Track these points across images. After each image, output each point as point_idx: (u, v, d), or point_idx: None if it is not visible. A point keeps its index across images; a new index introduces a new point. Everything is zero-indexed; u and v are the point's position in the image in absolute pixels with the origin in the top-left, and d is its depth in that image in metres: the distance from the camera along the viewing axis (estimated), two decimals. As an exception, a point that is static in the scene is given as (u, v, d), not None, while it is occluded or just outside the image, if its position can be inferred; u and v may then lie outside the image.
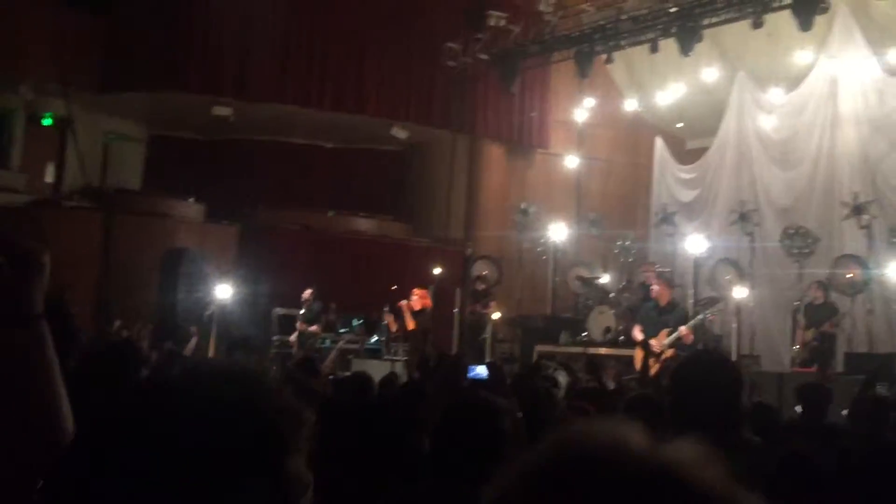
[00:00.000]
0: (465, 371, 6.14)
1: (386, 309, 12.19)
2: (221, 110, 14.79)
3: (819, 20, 11.48)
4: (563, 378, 7.05)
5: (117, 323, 11.67)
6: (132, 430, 0.95)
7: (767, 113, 14.00)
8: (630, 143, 16.27)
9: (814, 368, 10.21)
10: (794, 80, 13.64)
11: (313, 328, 12.76)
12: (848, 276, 11.38)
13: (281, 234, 15.21)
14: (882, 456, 4.28)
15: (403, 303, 11.95)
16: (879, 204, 12.07)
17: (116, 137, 15.47)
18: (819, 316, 10.89)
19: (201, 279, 12.89)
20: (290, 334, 13.08)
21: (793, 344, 10.94)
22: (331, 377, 8.44)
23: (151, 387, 1.07)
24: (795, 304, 9.91)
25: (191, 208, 15.00)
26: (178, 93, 14.41)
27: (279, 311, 13.59)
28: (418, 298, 11.89)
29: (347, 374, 9.27)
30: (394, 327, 11.99)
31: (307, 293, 12.78)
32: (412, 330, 11.69)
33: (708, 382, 2.54)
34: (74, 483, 0.97)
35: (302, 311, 12.79)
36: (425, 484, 2.73)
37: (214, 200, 15.06)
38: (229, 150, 16.31)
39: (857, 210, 11.94)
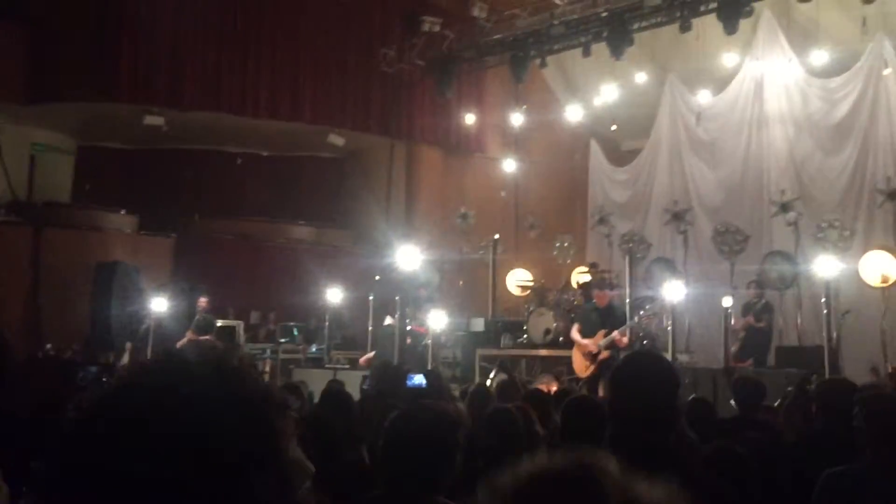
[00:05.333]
0: (405, 379, 6.12)
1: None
2: (154, 119, 14.49)
3: (744, 24, 11.79)
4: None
5: (48, 346, 11.35)
6: (126, 431, 0.89)
7: (696, 114, 14.32)
8: (566, 146, 16.47)
9: (748, 363, 10.44)
10: (721, 83, 13.99)
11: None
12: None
13: (218, 243, 14.99)
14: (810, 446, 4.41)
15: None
16: (805, 201, 12.45)
17: (43, 148, 15.04)
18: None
19: (136, 293, 12.60)
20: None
21: (726, 341, 11.13)
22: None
23: (132, 385, 0.95)
24: (726, 305, 10.07)
25: (123, 220, 14.68)
26: (108, 103, 14.08)
27: (218, 322, 13.37)
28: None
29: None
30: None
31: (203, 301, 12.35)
32: None
33: (645, 381, 2.55)
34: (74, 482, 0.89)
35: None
36: (373, 496, 2.70)
37: (148, 212, 14.76)
38: (162, 159, 16.02)
39: (784, 207, 12.29)
